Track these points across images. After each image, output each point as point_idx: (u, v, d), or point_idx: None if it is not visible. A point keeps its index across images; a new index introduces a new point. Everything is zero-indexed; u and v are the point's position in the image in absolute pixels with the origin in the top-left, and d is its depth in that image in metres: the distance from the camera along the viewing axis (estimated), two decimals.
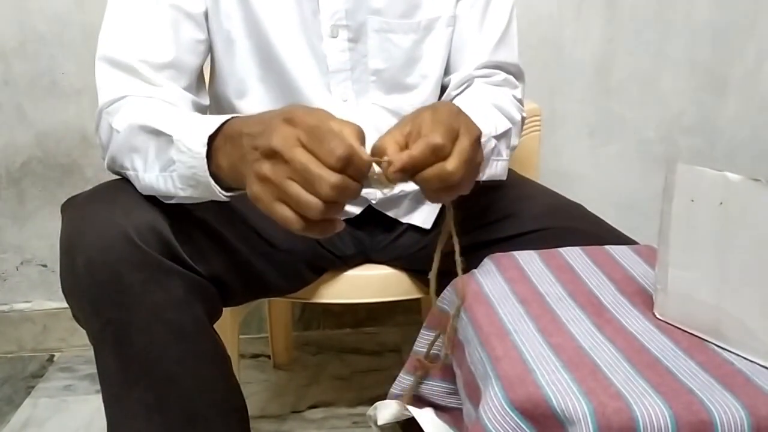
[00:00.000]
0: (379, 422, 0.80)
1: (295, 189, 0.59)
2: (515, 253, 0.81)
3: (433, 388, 0.78)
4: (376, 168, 0.63)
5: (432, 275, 0.71)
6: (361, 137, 0.62)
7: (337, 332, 1.65)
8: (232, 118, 0.69)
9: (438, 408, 0.77)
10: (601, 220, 0.91)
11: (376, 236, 1.01)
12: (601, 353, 0.61)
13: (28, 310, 1.58)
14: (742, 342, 0.60)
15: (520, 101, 0.98)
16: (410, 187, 0.63)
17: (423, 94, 0.96)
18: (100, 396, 0.77)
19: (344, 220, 0.99)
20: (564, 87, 1.53)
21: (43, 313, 1.57)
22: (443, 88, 0.98)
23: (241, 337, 1.18)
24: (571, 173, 1.57)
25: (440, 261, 0.86)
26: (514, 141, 0.91)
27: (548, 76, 1.51)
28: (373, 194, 0.96)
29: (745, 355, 0.60)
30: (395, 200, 0.97)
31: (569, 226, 0.88)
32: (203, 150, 0.68)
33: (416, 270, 1.00)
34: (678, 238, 0.63)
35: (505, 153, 0.87)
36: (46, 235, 1.52)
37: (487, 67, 0.96)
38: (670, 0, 1.49)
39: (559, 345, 0.62)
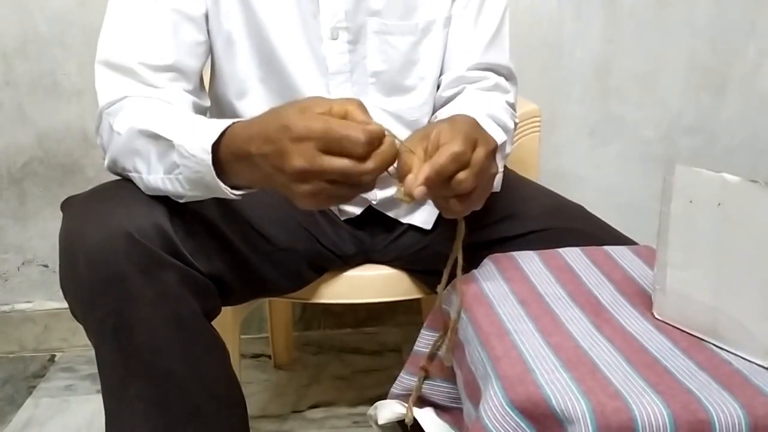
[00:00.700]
0: (380, 422, 0.81)
1: (344, 190, 0.64)
2: (515, 253, 0.81)
3: (434, 387, 0.78)
4: (397, 186, 0.65)
5: (440, 289, 0.72)
6: (364, 108, 0.65)
7: (337, 332, 1.65)
8: (232, 124, 0.70)
9: (438, 408, 0.78)
10: (601, 220, 0.91)
11: (377, 236, 1.01)
12: (600, 353, 0.61)
13: (30, 311, 1.58)
14: (740, 342, 0.60)
15: (513, 106, 0.98)
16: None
17: (421, 96, 0.96)
18: (101, 396, 0.77)
19: (344, 221, 1.00)
20: (564, 87, 1.53)
21: (45, 313, 1.58)
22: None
23: (241, 337, 1.18)
24: (571, 174, 1.58)
25: (441, 260, 0.86)
26: (507, 149, 0.91)
27: (548, 76, 1.52)
28: (373, 194, 0.96)
29: (742, 355, 0.60)
30: (396, 200, 0.97)
31: (569, 226, 0.89)
32: (208, 158, 0.69)
33: (417, 270, 1.00)
34: (676, 239, 0.63)
35: (499, 165, 0.87)
36: (47, 235, 1.52)
37: (477, 69, 0.96)
38: (670, 0, 1.49)
39: (559, 345, 0.62)
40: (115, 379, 0.75)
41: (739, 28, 1.52)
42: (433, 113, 0.97)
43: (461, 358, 0.69)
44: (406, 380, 0.80)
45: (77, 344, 1.57)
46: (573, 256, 0.80)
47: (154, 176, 0.75)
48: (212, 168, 0.69)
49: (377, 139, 0.62)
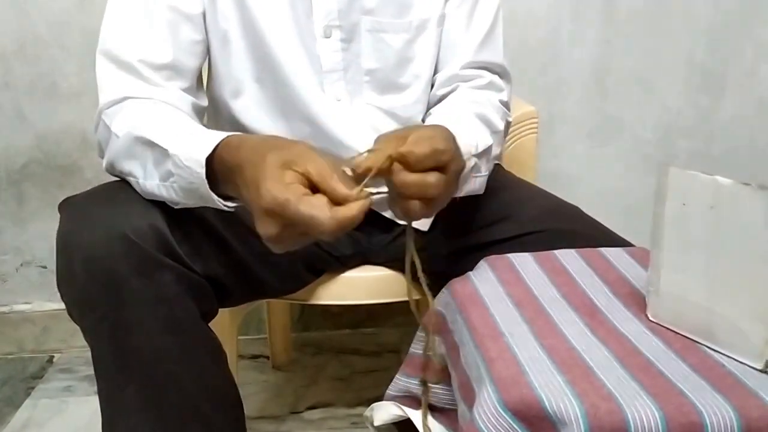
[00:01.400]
0: (376, 423, 0.81)
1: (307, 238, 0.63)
2: (510, 255, 0.81)
3: (429, 389, 0.78)
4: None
5: (411, 301, 0.72)
6: (335, 167, 0.62)
7: (335, 333, 1.66)
8: (225, 139, 0.70)
9: (434, 409, 0.78)
10: (597, 222, 0.92)
11: (374, 237, 1.01)
12: (593, 355, 0.61)
13: (28, 312, 1.59)
14: (733, 344, 0.60)
15: (506, 104, 0.98)
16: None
17: (415, 94, 0.96)
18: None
19: None
20: (561, 88, 1.53)
21: (43, 314, 1.58)
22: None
23: (240, 338, 1.18)
24: (568, 175, 1.58)
25: (437, 262, 0.87)
26: (496, 150, 0.91)
27: (545, 77, 1.52)
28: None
29: (735, 357, 0.60)
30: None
31: (565, 228, 0.89)
32: (202, 171, 0.69)
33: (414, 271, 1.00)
34: (670, 241, 0.64)
35: (484, 168, 0.87)
36: (46, 236, 1.52)
37: (471, 67, 0.96)
38: (667, 1, 1.49)
39: (553, 347, 0.62)
40: (111, 380, 0.76)
41: (736, 29, 1.52)
42: (427, 111, 0.98)
43: (456, 360, 0.70)
44: (402, 382, 0.81)
45: (76, 345, 1.57)
46: (568, 258, 0.80)
47: (150, 182, 0.76)
48: (206, 181, 0.69)
49: (346, 223, 0.59)
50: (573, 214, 0.93)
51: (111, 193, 0.79)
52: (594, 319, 0.67)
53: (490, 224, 0.91)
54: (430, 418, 0.77)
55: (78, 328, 0.77)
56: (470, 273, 0.79)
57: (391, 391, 0.82)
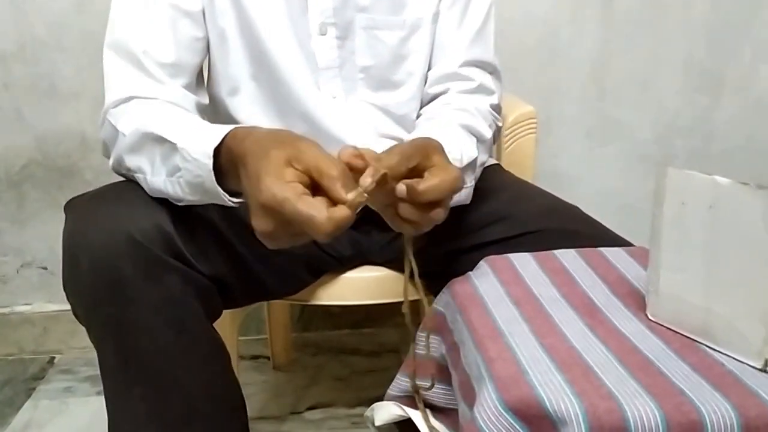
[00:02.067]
0: (377, 423, 0.81)
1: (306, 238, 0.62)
2: (510, 255, 0.81)
3: (430, 389, 0.78)
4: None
5: (405, 306, 0.73)
6: (338, 166, 0.61)
7: (335, 333, 1.66)
8: (233, 130, 0.70)
9: (434, 409, 0.78)
10: (596, 221, 0.92)
11: (374, 238, 1.01)
12: (593, 354, 0.61)
13: (29, 313, 1.59)
14: (732, 343, 0.60)
15: (497, 107, 0.98)
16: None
17: (410, 91, 0.97)
18: (100, 398, 0.78)
19: None
20: (560, 89, 1.54)
21: (44, 315, 1.58)
22: None
23: (240, 338, 1.19)
24: (567, 175, 1.58)
25: (436, 262, 0.87)
26: (483, 158, 0.90)
27: (544, 78, 1.52)
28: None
29: (734, 356, 0.60)
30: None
31: (565, 227, 0.89)
32: (209, 162, 0.69)
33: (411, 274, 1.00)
34: (669, 241, 0.64)
35: (469, 180, 0.87)
36: (46, 237, 1.53)
37: (463, 65, 0.96)
38: (666, 1, 1.50)
39: (553, 346, 0.63)
40: (117, 381, 0.76)
41: (735, 29, 1.52)
42: (420, 108, 0.98)
43: (456, 360, 0.70)
44: (402, 382, 0.81)
45: (76, 346, 1.57)
46: (568, 257, 0.80)
47: (157, 178, 0.76)
48: (212, 173, 0.69)
49: (342, 223, 0.59)
50: (572, 213, 0.93)
51: (116, 193, 0.80)
52: (594, 319, 0.67)
53: (490, 224, 0.91)
54: (430, 416, 0.77)
55: (78, 328, 0.77)
56: (470, 273, 0.79)
57: (391, 390, 0.82)
